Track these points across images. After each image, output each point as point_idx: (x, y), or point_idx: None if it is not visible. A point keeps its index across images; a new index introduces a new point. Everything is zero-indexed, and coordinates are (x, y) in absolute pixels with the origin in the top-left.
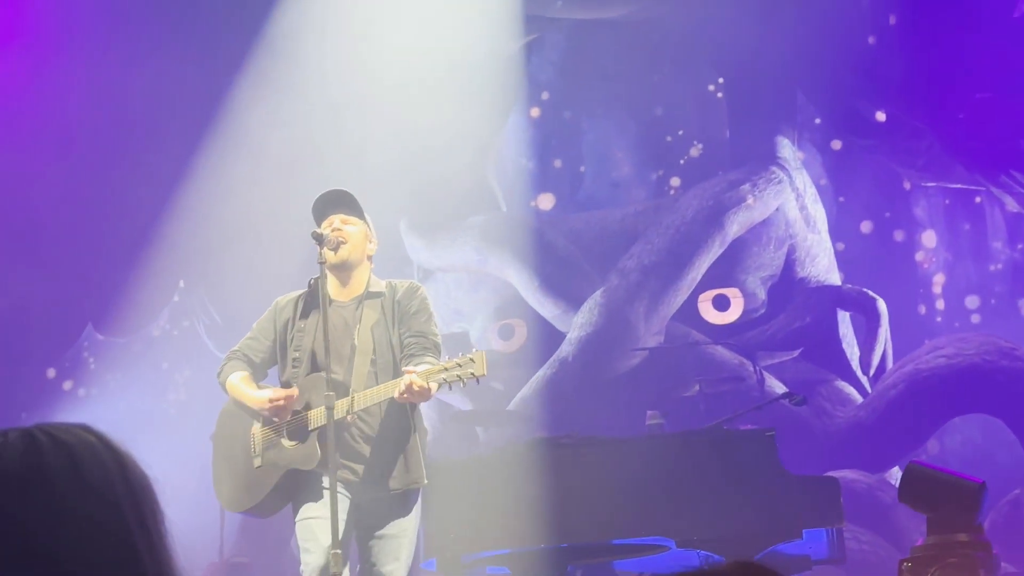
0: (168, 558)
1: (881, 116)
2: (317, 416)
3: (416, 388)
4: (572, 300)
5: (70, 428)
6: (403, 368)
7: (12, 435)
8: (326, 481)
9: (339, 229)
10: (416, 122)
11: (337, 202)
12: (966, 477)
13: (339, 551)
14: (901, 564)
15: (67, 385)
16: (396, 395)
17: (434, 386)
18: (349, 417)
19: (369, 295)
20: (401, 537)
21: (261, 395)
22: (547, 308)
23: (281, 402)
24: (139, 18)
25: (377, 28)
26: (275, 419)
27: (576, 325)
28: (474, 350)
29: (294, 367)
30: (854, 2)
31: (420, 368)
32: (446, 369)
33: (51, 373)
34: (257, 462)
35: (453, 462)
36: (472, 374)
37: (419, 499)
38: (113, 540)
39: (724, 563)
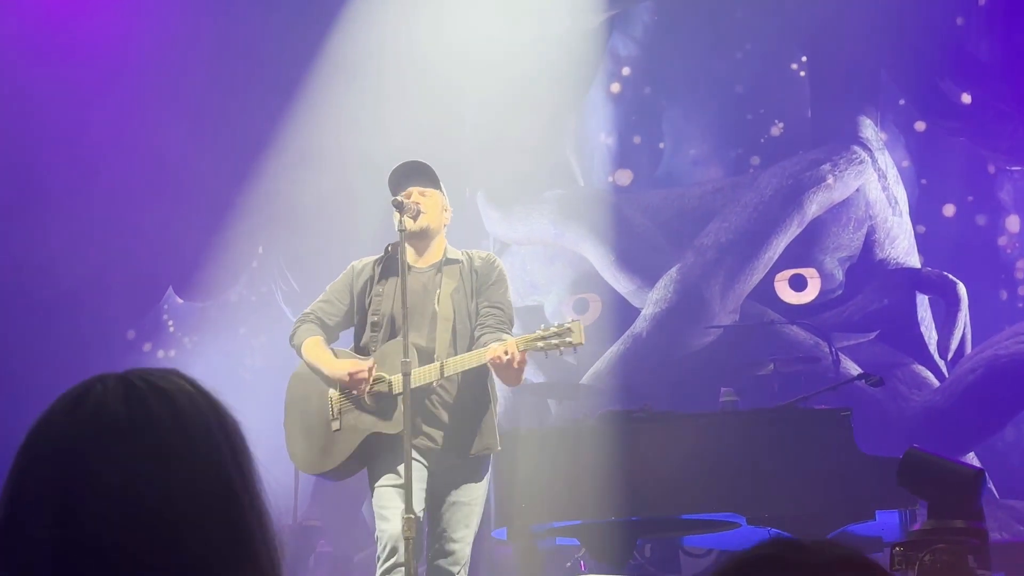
0: (263, 499)
1: (967, 98)
2: (399, 382)
3: (510, 355)
4: (647, 276)
5: (165, 375)
6: (478, 336)
7: (110, 381)
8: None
9: (417, 202)
10: (496, 95)
11: (414, 173)
12: (965, 464)
13: (413, 516)
14: (893, 548)
15: (146, 347)
16: (488, 360)
17: (520, 357)
18: (436, 383)
19: (448, 261)
20: (473, 504)
21: (340, 366)
22: (622, 283)
23: (363, 374)
24: None
25: (459, 1)
26: (354, 392)
27: (651, 301)
28: (570, 319)
29: (373, 331)
30: None
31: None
32: (543, 337)
33: (131, 335)
34: (335, 425)
35: (526, 433)
36: (569, 343)
37: (490, 467)
38: (214, 483)
39: (817, 542)
